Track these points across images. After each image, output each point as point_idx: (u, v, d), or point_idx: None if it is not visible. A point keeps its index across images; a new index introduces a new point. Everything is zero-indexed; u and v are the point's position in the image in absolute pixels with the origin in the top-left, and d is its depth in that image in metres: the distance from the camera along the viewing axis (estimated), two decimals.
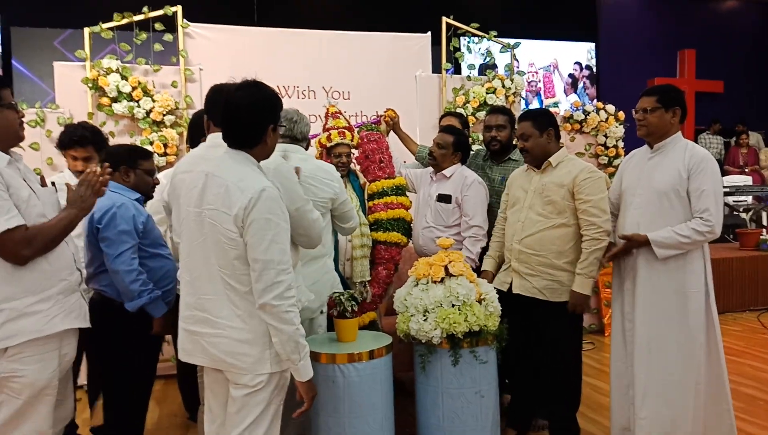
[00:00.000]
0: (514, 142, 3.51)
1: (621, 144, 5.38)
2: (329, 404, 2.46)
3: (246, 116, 1.89)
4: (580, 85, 8.22)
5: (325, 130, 3.27)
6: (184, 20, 4.51)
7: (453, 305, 2.64)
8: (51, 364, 2.06)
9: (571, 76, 8.05)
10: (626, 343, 2.78)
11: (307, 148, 2.74)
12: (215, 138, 2.05)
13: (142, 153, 2.70)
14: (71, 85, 4.28)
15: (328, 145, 3.21)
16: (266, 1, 7.30)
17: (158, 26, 4.42)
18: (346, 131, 3.21)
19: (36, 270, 2.01)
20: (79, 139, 2.98)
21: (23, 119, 2.18)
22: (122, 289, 2.45)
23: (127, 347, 2.51)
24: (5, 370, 1.98)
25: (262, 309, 1.85)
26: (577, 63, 8.24)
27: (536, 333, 2.93)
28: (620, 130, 5.38)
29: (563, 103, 7.63)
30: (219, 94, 2.24)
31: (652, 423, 2.67)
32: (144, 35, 4.40)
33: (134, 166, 2.63)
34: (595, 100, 7.61)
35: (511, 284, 2.96)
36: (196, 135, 2.69)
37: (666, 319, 2.65)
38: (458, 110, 4.91)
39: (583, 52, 8.30)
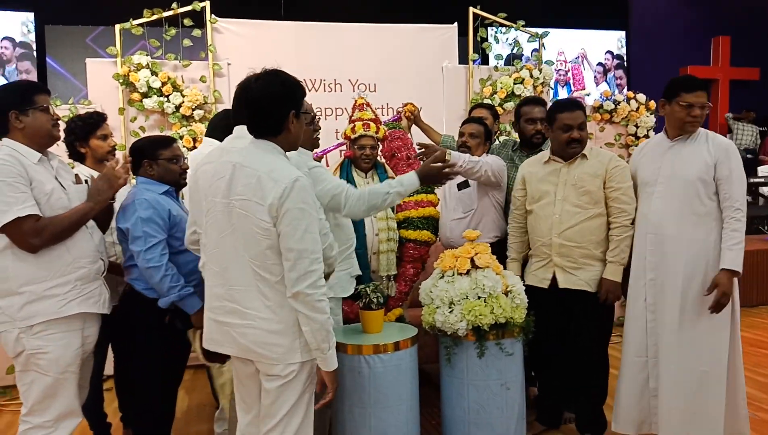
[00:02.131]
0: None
1: (652, 134, 5.29)
2: (355, 395, 2.49)
3: (266, 104, 1.90)
4: (611, 74, 8.09)
5: (350, 121, 3.27)
6: (213, 15, 4.56)
7: (479, 297, 2.63)
8: (74, 343, 2.24)
9: (600, 65, 7.91)
10: (647, 335, 2.76)
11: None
12: (241, 130, 2.07)
13: (160, 142, 2.67)
14: (103, 81, 4.37)
15: (352, 136, 3.21)
16: None
17: (187, 22, 4.48)
18: (370, 123, 3.19)
19: (55, 257, 2.19)
20: (103, 115, 3.00)
21: (59, 119, 2.33)
22: (153, 286, 2.46)
23: (154, 340, 2.53)
24: (32, 347, 2.15)
25: (295, 298, 1.86)
26: (608, 52, 8.09)
27: (576, 326, 2.91)
28: (651, 120, 5.29)
29: (593, 94, 7.51)
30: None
31: (681, 414, 2.66)
32: (173, 31, 4.47)
33: (155, 158, 2.60)
34: (625, 90, 7.48)
35: (552, 280, 2.91)
36: (218, 134, 2.71)
37: (695, 308, 2.65)
38: (485, 101, 4.87)
39: (614, 40, 8.13)
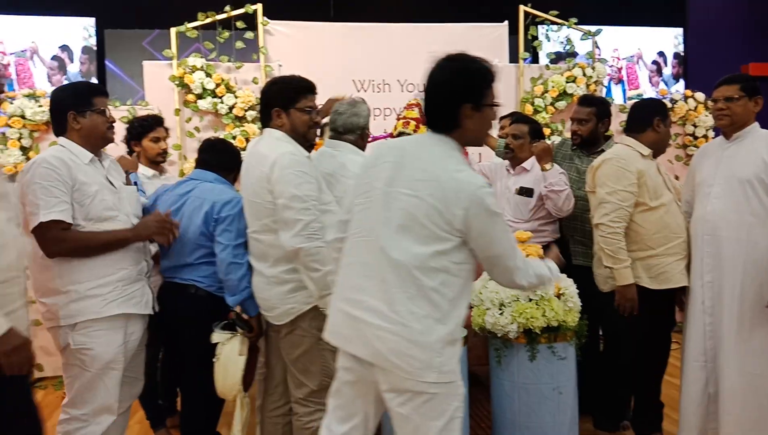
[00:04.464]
0: (608, 133, 3.38)
1: (711, 133, 5.10)
2: None
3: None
4: (668, 72, 7.85)
5: (397, 119, 3.34)
6: (264, 18, 4.63)
7: (530, 299, 2.60)
8: (116, 341, 2.27)
9: (655, 63, 7.68)
10: (705, 339, 2.69)
11: (357, 142, 2.68)
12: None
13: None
14: (159, 82, 4.49)
15: (394, 133, 3.28)
16: None
17: (240, 24, 4.56)
18: (411, 121, 3.24)
19: (98, 258, 2.22)
20: (159, 119, 3.18)
21: (114, 121, 2.39)
22: (229, 282, 2.43)
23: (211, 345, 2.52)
24: (76, 343, 2.21)
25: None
26: (659, 53, 7.86)
27: (667, 324, 2.96)
28: (710, 119, 5.10)
29: (648, 93, 7.29)
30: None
31: (741, 421, 2.59)
32: (226, 34, 4.56)
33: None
34: (683, 88, 7.25)
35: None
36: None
37: (753, 313, 2.57)
38: (536, 100, 4.81)
39: (670, 37, 7.88)
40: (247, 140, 4.42)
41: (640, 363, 2.90)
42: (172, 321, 2.57)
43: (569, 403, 2.63)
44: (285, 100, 2.34)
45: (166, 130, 3.22)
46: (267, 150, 2.29)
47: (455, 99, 1.77)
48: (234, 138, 4.41)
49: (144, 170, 3.10)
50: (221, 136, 4.39)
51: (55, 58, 5.87)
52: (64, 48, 5.91)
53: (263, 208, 2.28)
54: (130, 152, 3.16)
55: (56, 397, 3.99)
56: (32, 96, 4.16)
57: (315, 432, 2.35)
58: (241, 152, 4.27)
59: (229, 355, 2.45)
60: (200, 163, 2.75)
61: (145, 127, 3.11)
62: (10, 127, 4.10)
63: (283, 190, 2.20)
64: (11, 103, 4.12)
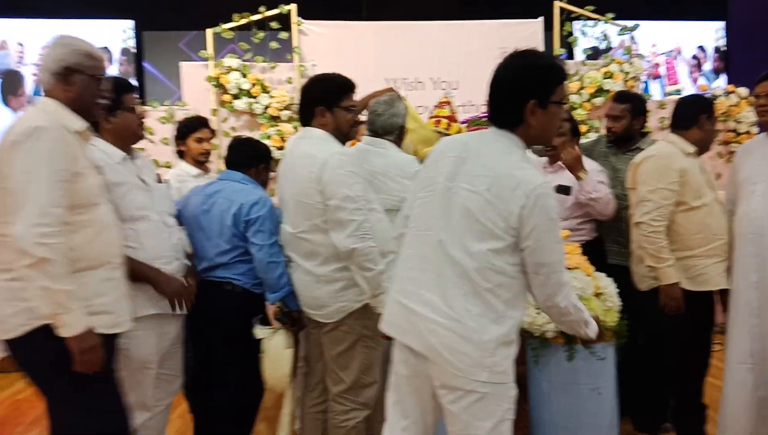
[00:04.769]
0: (645, 130, 3.31)
1: (754, 129, 4.96)
2: None
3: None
4: (708, 67, 7.66)
5: (429, 118, 3.33)
6: (298, 18, 4.66)
7: None
8: (150, 341, 2.28)
9: (695, 57, 7.50)
10: (752, 341, 2.61)
11: (396, 141, 2.67)
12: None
13: (270, 152, 2.92)
14: (196, 83, 4.57)
15: None
16: None
17: (274, 25, 4.60)
18: (442, 119, 3.22)
19: (131, 256, 2.19)
20: (203, 121, 3.26)
21: (147, 118, 2.43)
22: (269, 280, 2.47)
23: (253, 340, 2.54)
24: None
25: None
26: (699, 47, 7.66)
27: (702, 327, 2.87)
28: (752, 115, 4.96)
29: (687, 89, 7.12)
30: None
31: None
32: (261, 34, 4.60)
33: (268, 166, 2.79)
34: (723, 83, 7.07)
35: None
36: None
37: None
38: (572, 97, 4.74)
39: (711, 31, 7.68)
40: (283, 139, 4.46)
41: (684, 364, 2.83)
42: (206, 318, 2.57)
43: (609, 404, 2.58)
44: (329, 98, 2.36)
45: (212, 131, 3.29)
46: (313, 150, 2.30)
47: (520, 94, 1.73)
48: (269, 137, 4.45)
49: (189, 169, 3.18)
50: (254, 136, 4.45)
51: None
52: (104, 50, 6.06)
53: (313, 208, 2.29)
54: (178, 151, 3.26)
55: None
56: None
57: (349, 431, 2.37)
58: (273, 150, 4.32)
59: (277, 349, 2.49)
60: (227, 163, 2.80)
61: (189, 128, 3.20)
62: None
63: (335, 191, 2.22)
64: None
